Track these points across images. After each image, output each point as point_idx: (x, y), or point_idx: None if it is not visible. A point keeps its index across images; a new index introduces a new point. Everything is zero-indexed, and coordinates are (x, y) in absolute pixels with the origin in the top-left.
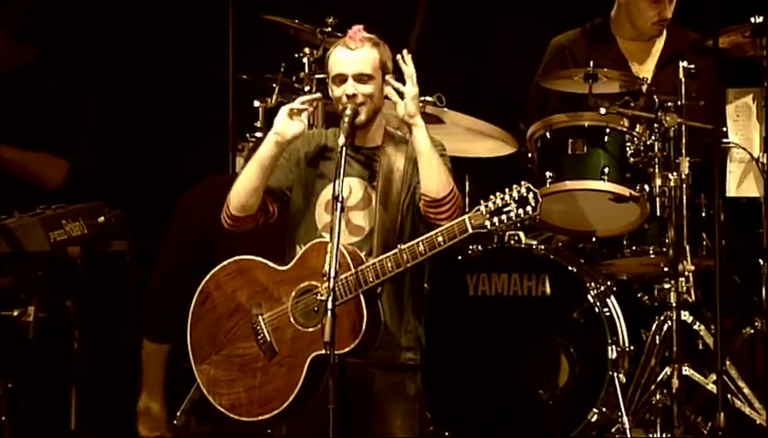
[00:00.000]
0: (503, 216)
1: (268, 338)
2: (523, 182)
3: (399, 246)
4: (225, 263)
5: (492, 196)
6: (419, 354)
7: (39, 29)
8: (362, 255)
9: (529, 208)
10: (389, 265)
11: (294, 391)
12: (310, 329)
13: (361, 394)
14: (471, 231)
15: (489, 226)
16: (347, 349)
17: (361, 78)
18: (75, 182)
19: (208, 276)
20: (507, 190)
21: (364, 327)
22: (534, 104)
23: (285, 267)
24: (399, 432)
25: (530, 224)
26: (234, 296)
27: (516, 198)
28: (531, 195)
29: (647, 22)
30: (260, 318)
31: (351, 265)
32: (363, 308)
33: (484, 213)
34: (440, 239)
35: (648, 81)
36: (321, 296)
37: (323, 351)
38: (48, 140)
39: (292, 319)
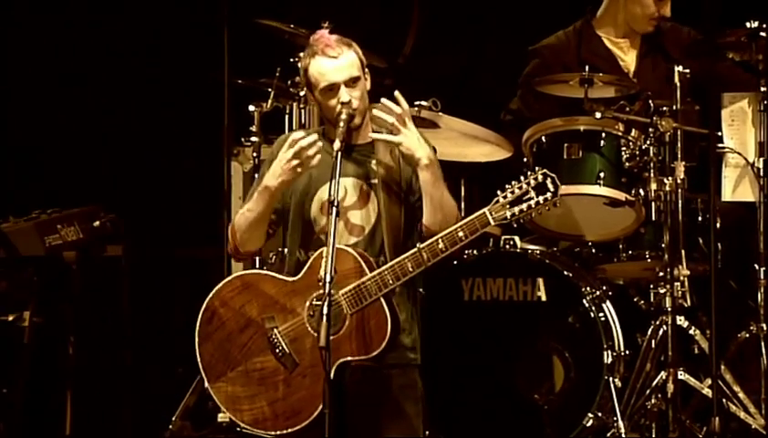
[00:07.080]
0: (524, 205)
1: (287, 350)
2: (538, 168)
3: (417, 246)
4: (229, 279)
5: (508, 185)
6: (419, 354)
7: None
8: (372, 259)
9: (549, 194)
10: (409, 265)
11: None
12: (330, 337)
13: (372, 395)
14: (493, 223)
15: (510, 217)
16: (376, 353)
17: (352, 83)
18: None
19: (211, 294)
20: (523, 178)
21: (389, 329)
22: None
23: (294, 278)
24: (409, 431)
25: (550, 210)
26: (244, 311)
27: (534, 185)
28: (549, 181)
29: (645, 17)
30: (275, 330)
31: (366, 269)
32: (386, 312)
33: (504, 203)
34: (460, 234)
35: (632, 72)
36: (337, 303)
37: (348, 357)
38: None
39: (310, 329)
